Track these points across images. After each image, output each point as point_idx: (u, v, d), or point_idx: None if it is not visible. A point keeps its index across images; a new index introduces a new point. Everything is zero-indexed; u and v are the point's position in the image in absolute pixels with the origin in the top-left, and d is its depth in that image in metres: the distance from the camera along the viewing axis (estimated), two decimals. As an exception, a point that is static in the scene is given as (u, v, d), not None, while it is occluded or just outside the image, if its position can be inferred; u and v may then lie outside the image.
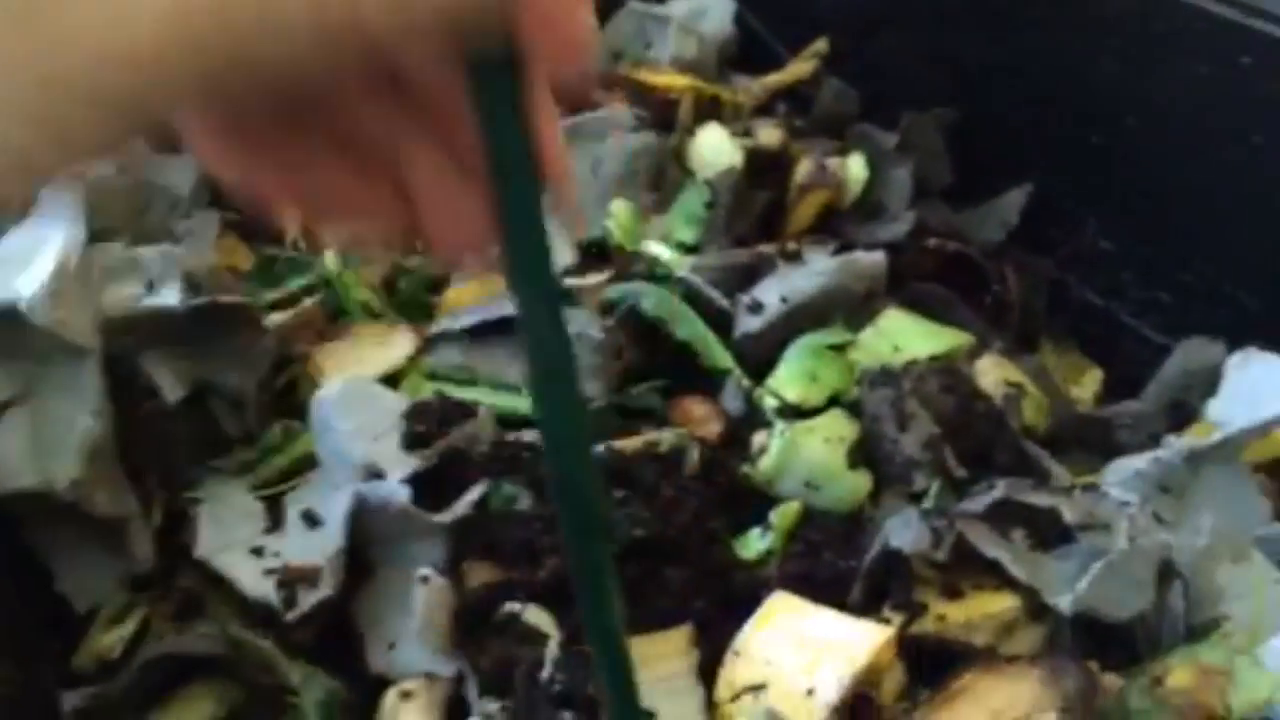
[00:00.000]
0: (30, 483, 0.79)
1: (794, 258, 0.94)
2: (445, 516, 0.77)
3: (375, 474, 0.80)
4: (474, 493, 0.78)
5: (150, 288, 0.85)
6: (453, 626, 0.75)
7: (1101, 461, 0.85)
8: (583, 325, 0.90)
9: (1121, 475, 0.81)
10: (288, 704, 0.78)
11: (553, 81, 0.40)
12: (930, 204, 1.08)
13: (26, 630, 0.83)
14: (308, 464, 0.87)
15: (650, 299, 0.91)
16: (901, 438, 0.81)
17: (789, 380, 0.86)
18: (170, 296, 0.84)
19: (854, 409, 0.84)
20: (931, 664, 0.70)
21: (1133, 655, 0.73)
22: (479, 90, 0.37)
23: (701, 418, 0.88)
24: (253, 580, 0.81)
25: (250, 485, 0.87)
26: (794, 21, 1.21)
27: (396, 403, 0.85)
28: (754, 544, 0.79)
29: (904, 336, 0.89)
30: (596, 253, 1.00)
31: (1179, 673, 0.69)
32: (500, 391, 0.90)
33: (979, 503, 0.75)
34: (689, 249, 0.98)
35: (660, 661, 0.70)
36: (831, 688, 0.67)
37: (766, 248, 0.96)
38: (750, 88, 1.15)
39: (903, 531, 0.73)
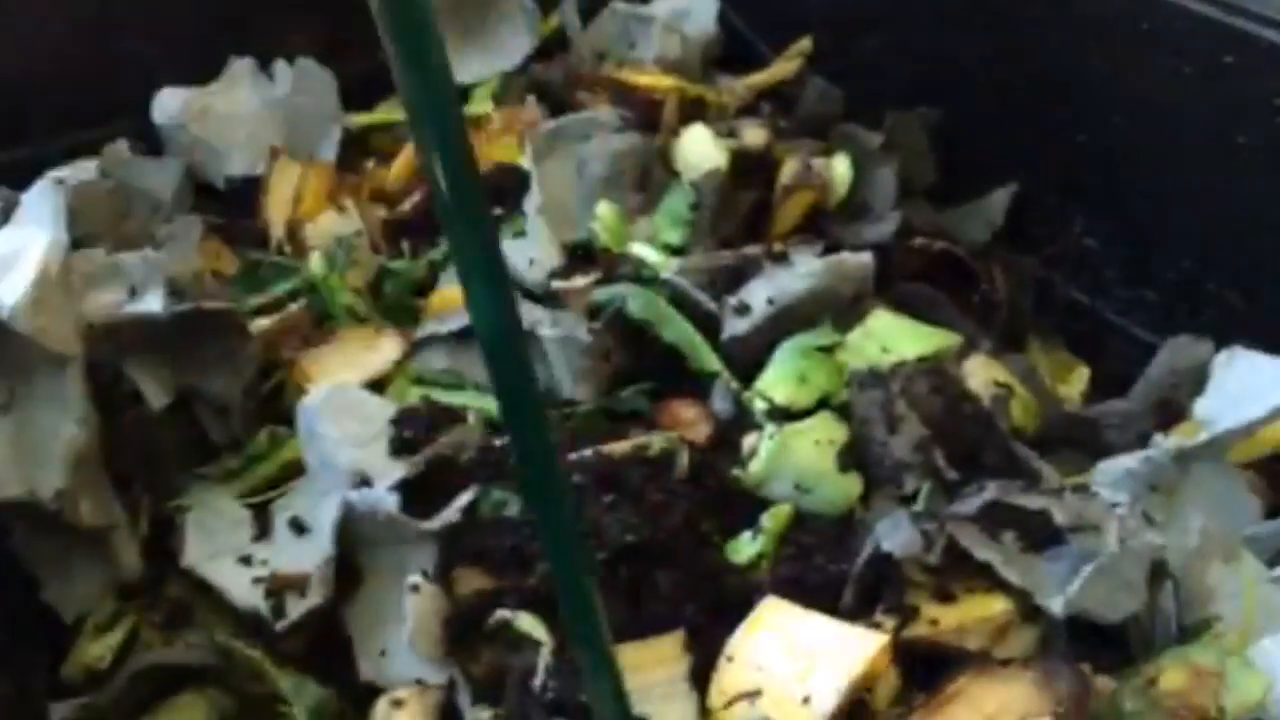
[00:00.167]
0: (15, 492, 0.78)
1: (781, 259, 0.94)
2: (434, 523, 0.77)
3: (363, 481, 0.80)
4: (463, 499, 0.78)
5: (133, 294, 0.85)
6: (444, 634, 0.74)
7: (1090, 461, 0.85)
8: (569, 328, 0.90)
9: (1111, 475, 0.81)
10: (278, 713, 0.77)
11: None
12: (915, 204, 1.08)
13: (13, 641, 0.83)
14: (295, 471, 0.86)
15: (637, 301, 0.91)
16: (891, 440, 0.80)
17: (778, 382, 0.85)
18: (154, 303, 0.83)
19: (843, 411, 0.84)
20: (925, 668, 0.70)
21: (1125, 656, 0.73)
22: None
23: (690, 420, 0.87)
24: (241, 589, 0.80)
25: (237, 493, 0.86)
26: (778, 21, 1.21)
27: (383, 409, 0.85)
28: (745, 547, 0.79)
29: (892, 337, 0.89)
30: (582, 255, 1.00)
31: (1171, 674, 0.69)
32: (488, 395, 0.89)
33: (969, 505, 0.75)
34: (675, 251, 0.98)
35: (652, 668, 0.70)
36: (828, 698, 0.67)
37: (753, 249, 0.96)
38: (734, 88, 1.15)
39: (893, 535, 0.73)
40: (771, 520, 0.79)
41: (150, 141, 1.11)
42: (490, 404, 0.88)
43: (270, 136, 1.11)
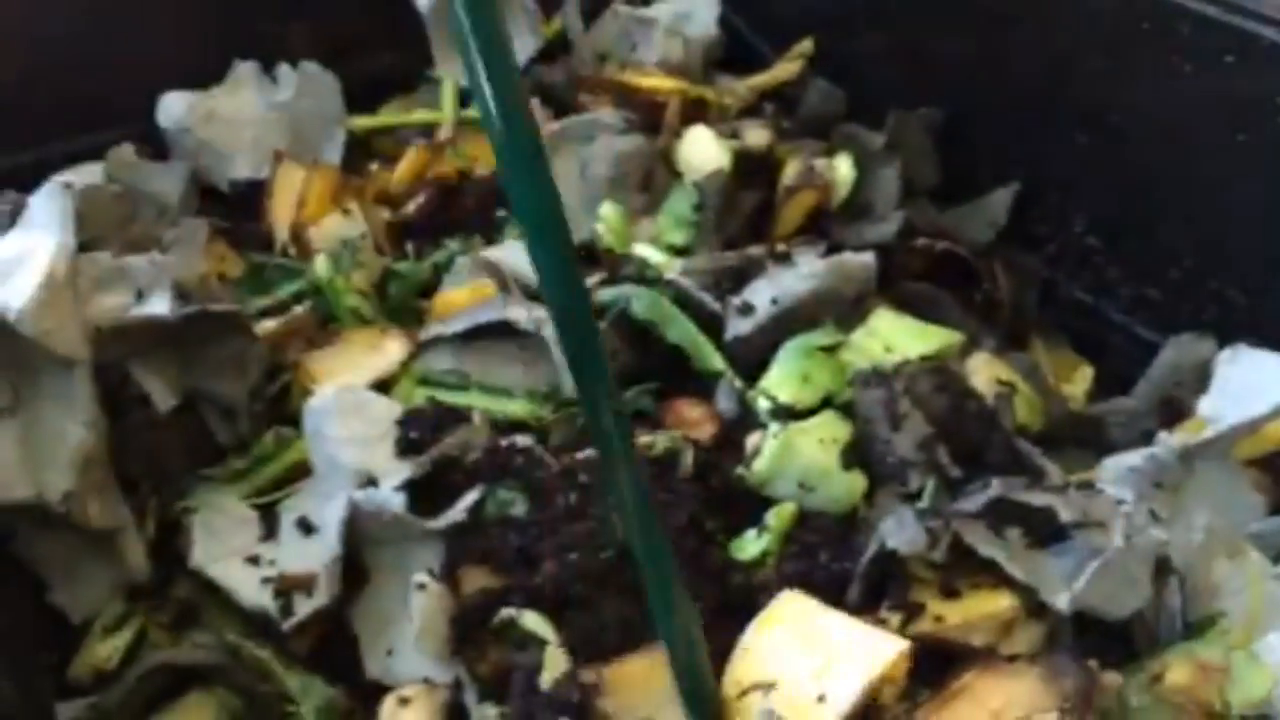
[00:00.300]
0: (23, 495, 0.78)
1: (784, 259, 0.94)
2: (440, 522, 0.77)
3: (369, 481, 0.80)
4: (469, 498, 0.78)
5: (140, 297, 0.85)
6: (450, 633, 0.75)
7: (1094, 459, 0.85)
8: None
9: (1115, 472, 0.81)
10: (286, 712, 0.77)
11: None
12: (918, 204, 1.09)
13: (21, 643, 0.83)
14: (301, 472, 0.87)
15: (641, 302, 0.91)
16: (895, 438, 0.81)
17: (781, 382, 0.86)
18: (160, 305, 0.84)
19: (847, 410, 0.84)
20: (930, 664, 0.70)
21: (1131, 652, 0.73)
22: None
23: (695, 420, 0.87)
24: (249, 589, 0.80)
25: (244, 493, 0.87)
26: (779, 23, 1.21)
27: (389, 409, 0.85)
28: (749, 546, 0.79)
29: (895, 336, 0.89)
30: (586, 256, 1.00)
31: (1177, 670, 0.69)
32: (493, 396, 0.89)
33: (974, 502, 0.75)
34: (679, 251, 0.98)
35: (658, 677, 0.70)
36: (844, 699, 0.66)
37: (756, 249, 0.96)
38: (736, 89, 1.16)
39: (898, 532, 0.73)
40: (776, 519, 0.79)
41: (155, 145, 1.11)
42: (496, 403, 0.89)
43: (275, 140, 1.11)
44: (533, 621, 0.73)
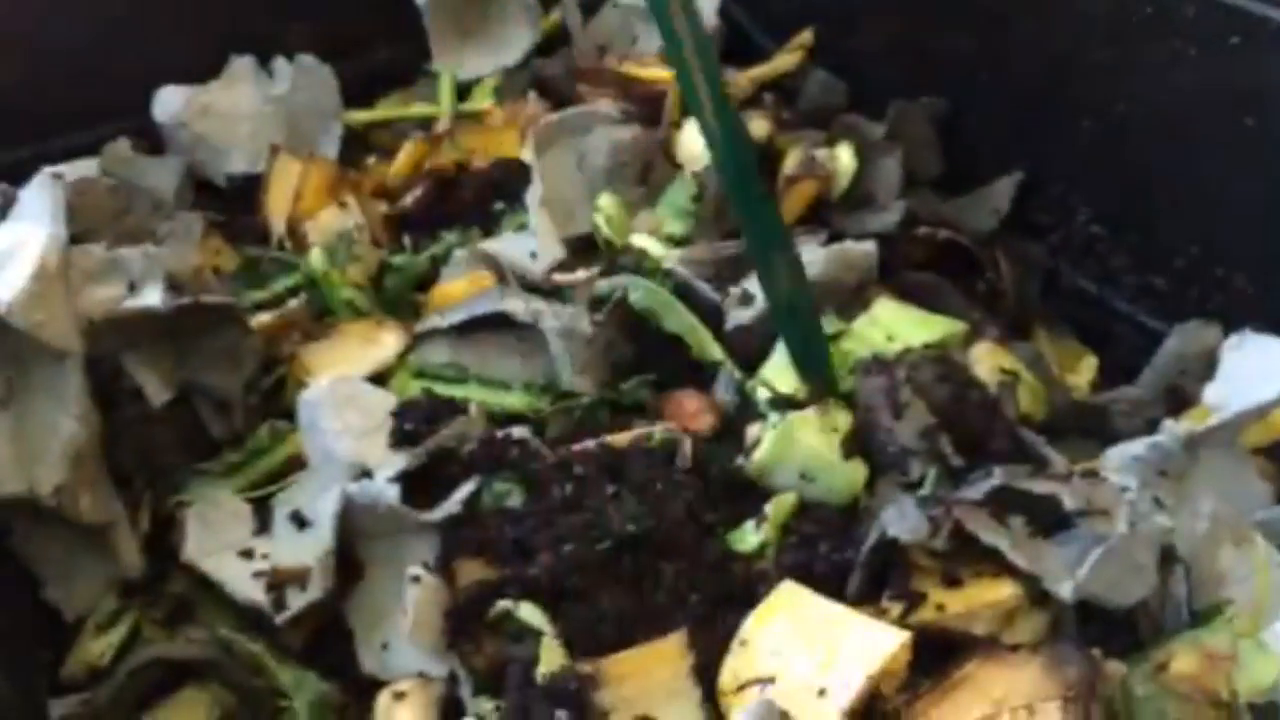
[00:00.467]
0: (14, 489, 0.78)
1: (784, 249, 0.93)
2: (435, 514, 0.76)
3: (363, 473, 0.79)
4: (464, 490, 0.77)
5: (132, 289, 0.84)
6: (445, 625, 0.74)
7: (1099, 448, 0.84)
8: (572, 320, 0.89)
9: (1120, 461, 0.80)
10: (279, 707, 0.77)
11: None
12: (921, 193, 1.08)
13: (16, 641, 0.82)
14: (296, 465, 0.86)
15: (639, 292, 0.90)
16: (896, 426, 0.80)
17: (781, 371, 0.84)
18: (153, 297, 0.83)
19: (848, 399, 0.83)
20: (932, 653, 0.69)
21: (1136, 642, 0.72)
22: None
23: (694, 411, 0.87)
24: (242, 583, 0.80)
25: (238, 487, 0.86)
26: (779, 13, 1.20)
27: (384, 401, 0.84)
28: (748, 537, 0.78)
29: (897, 325, 0.88)
30: (585, 248, 0.99)
31: (1183, 658, 0.68)
32: (490, 388, 0.89)
33: (977, 490, 0.74)
34: (678, 242, 0.97)
35: (655, 669, 0.69)
36: (845, 694, 0.65)
37: (756, 239, 0.95)
38: (737, 80, 1.14)
39: (899, 520, 0.72)
40: (775, 509, 0.78)
41: (152, 140, 1.11)
42: (492, 395, 0.88)
43: (271, 134, 1.11)
44: (529, 613, 0.72)
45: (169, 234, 0.96)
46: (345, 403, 0.82)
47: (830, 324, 0.88)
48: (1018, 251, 1.04)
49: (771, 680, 0.68)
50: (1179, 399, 0.91)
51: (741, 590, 0.75)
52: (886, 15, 1.15)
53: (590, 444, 0.80)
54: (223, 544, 0.82)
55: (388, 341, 0.92)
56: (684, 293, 0.91)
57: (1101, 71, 0.99)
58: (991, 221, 1.06)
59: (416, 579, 0.74)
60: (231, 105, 1.12)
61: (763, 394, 0.84)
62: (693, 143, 1.04)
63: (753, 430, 0.83)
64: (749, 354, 0.88)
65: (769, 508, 0.78)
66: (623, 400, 0.89)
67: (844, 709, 0.65)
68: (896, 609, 0.71)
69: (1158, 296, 0.99)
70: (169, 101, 1.11)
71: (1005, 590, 0.71)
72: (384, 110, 1.18)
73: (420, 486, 0.79)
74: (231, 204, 1.09)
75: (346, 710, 0.76)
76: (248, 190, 1.08)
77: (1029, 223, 1.06)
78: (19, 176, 0.89)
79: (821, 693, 0.66)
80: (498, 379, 0.89)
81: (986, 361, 0.87)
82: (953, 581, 0.72)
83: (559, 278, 0.96)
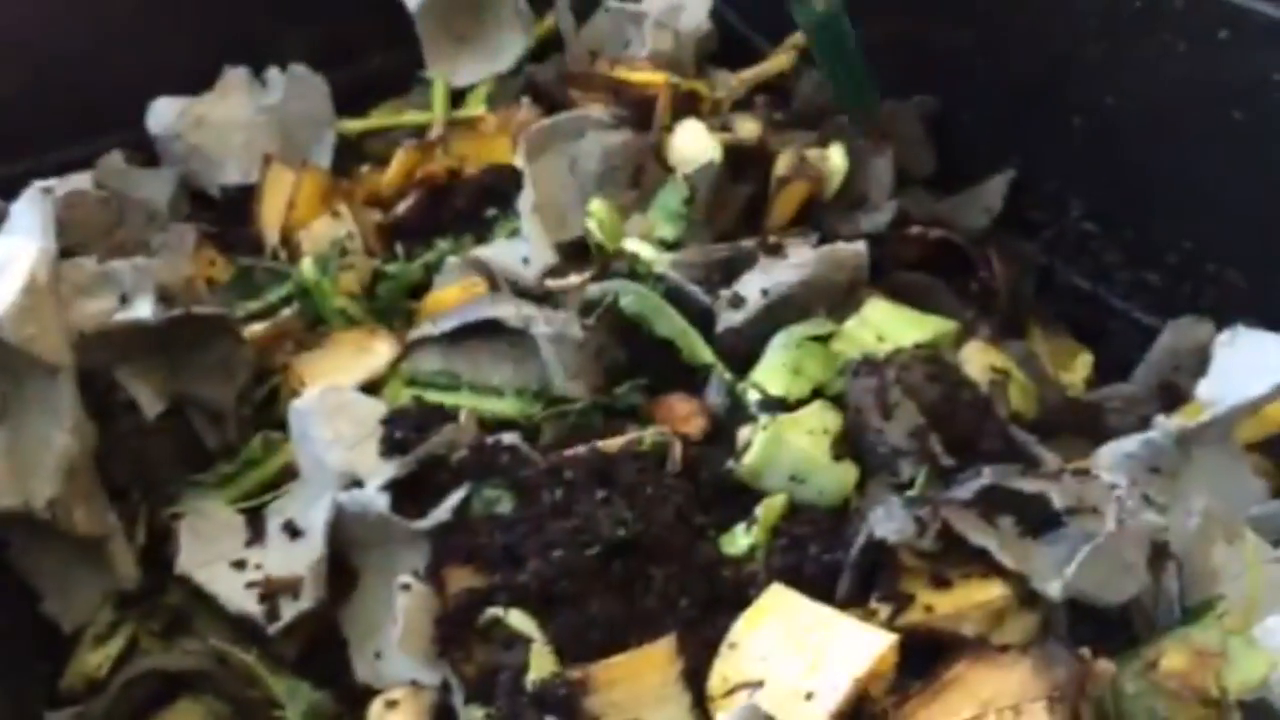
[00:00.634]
0: (9, 503, 0.78)
1: (775, 250, 0.93)
2: (425, 523, 0.77)
3: (355, 482, 0.79)
4: (454, 498, 0.78)
5: (124, 301, 0.84)
6: (435, 633, 0.74)
7: (1092, 446, 0.83)
8: (563, 326, 0.89)
9: (1112, 458, 0.80)
10: (274, 717, 0.77)
11: None
12: (913, 193, 1.07)
13: (12, 654, 0.82)
14: (290, 475, 0.86)
15: (629, 297, 0.90)
16: (886, 427, 0.79)
17: (772, 373, 0.84)
18: (143, 309, 0.83)
19: (839, 400, 0.83)
20: (920, 654, 0.69)
21: (1130, 639, 0.72)
22: None
23: (685, 415, 0.86)
24: (235, 594, 0.80)
25: (232, 498, 0.86)
26: (771, 15, 1.20)
27: (374, 409, 0.84)
28: (739, 540, 0.78)
29: (888, 325, 0.88)
30: (577, 253, 0.99)
31: (1172, 655, 0.67)
32: (482, 394, 0.89)
33: (965, 490, 0.74)
34: (670, 246, 0.97)
35: (645, 674, 0.69)
36: (833, 697, 0.65)
37: (747, 242, 0.95)
38: (728, 82, 1.15)
39: (886, 521, 0.72)
40: (765, 511, 0.78)
41: (146, 151, 1.11)
42: (484, 402, 0.88)
43: (265, 144, 1.11)
44: (518, 620, 0.72)
45: (162, 246, 0.97)
46: (336, 412, 0.83)
47: (820, 326, 0.87)
48: (1011, 249, 1.03)
49: (760, 684, 0.68)
50: (1173, 395, 0.90)
51: (732, 594, 0.75)
52: (877, 13, 1.14)
53: (580, 449, 0.81)
54: (215, 555, 0.82)
55: (381, 350, 0.92)
56: (675, 296, 0.91)
57: (1092, 69, 0.99)
58: (984, 220, 1.05)
59: (406, 587, 0.74)
60: (225, 116, 1.12)
61: (753, 396, 0.84)
62: (684, 146, 1.04)
63: (744, 433, 0.83)
64: (741, 356, 0.88)
65: (759, 510, 0.78)
66: (616, 405, 0.89)
67: (831, 712, 0.65)
68: (885, 610, 0.71)
69: (1151, 292, 0.99)
70: (163, 113, 1.11)
71: (994, 590, 0.71)
72: (377, 118, 1.18)
73: (411, 494, 0.79)
74: (226, 214, 1.09)
75: (340, 719, 0.76)
76: (242, 201, 1.09)
77: (1022, 220, 1.06)
78: (14, 192, 0.89)
79: (809, 696, 0.66)
80: (490, 385, 0.89)
81: (977, 360, 0.87)
82: (941, 582, 0.72)
83: (551, 283, 0.96)
